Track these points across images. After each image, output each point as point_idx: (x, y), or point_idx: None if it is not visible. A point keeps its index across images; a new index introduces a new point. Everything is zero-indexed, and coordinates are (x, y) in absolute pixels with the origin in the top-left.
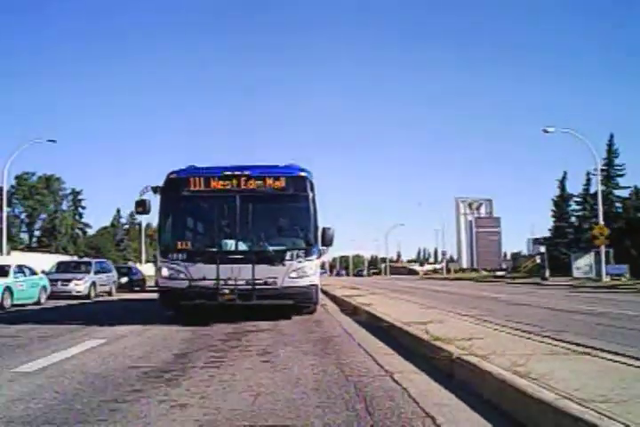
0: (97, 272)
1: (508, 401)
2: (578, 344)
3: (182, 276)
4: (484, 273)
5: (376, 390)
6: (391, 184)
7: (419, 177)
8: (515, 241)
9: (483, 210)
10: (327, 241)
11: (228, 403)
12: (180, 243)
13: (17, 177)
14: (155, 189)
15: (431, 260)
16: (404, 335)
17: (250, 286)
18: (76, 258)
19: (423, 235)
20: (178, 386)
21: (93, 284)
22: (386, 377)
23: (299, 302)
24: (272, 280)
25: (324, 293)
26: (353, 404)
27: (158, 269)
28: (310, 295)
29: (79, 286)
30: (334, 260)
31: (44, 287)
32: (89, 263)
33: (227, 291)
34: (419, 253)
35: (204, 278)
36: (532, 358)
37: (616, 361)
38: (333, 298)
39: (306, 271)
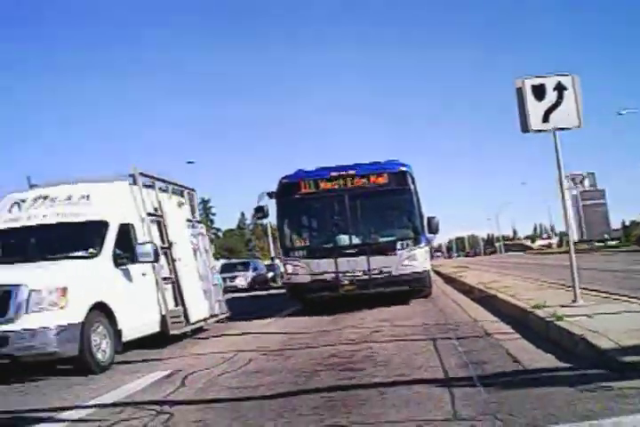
0: (253, 270)
1: (540, 328)
2: (607, 292)
3: (304, 271)
4: (596, 244)
5: (459, 318)
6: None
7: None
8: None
9: (587, 183)
10: (433, 229)
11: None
12: (299, 242)
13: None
14: (270, 195)
15: (544, 235)
16: (479, 292)
17: (367, 276)
18: (222, 260)
19: (537, 211)
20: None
21: (253, 279)
22: (464, 314)
23: (413, 288)
24: (387, 269)
25: (436, 272)
26: (445, 322)
27: (283, 267)
28: (423, 280)
29: (242, 281)
30: (450, 242)
31: (221, 283)
32: (247, 263)
33: (346, 282)
34: (535, 229)
35: (325, 272)
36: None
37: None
38: (442, 274)
39: (417, 259)
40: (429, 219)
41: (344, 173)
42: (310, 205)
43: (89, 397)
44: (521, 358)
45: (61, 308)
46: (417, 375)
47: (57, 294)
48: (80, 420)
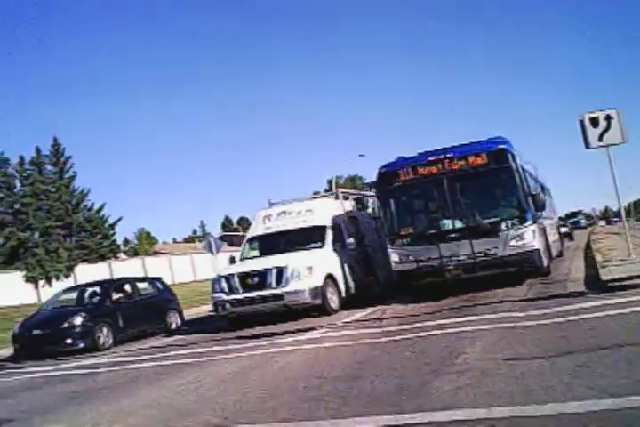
0: None
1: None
2: None
3: (410, 259)
4: None
5: (561, 269)
6: None
7: None
8: None
9: None
10: (539, 207)
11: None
12: (402, 229)
13: (329, 180)
14: (370, 185)
15: None
16: (589, 252)
17: (472, 260)
18: None
19: None
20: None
21: None
22: (565, 267)
23: (521, 269)
24: (492, 251)
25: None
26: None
27: (389, 256)
28: (532, 260)
29: None
30: (606, 209)
31: None
32: None
33: (451, 267)
34: None
35: (429, 258)
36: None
37: None
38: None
39: (524, 238)
40: (534, 196)
41: (441, 156)
42: (410, 192)
43: (336, 319)
44: (569, 290)
45: (309, 278)
46: (509, 299)
47: (306, 270)
48: (336, 327)
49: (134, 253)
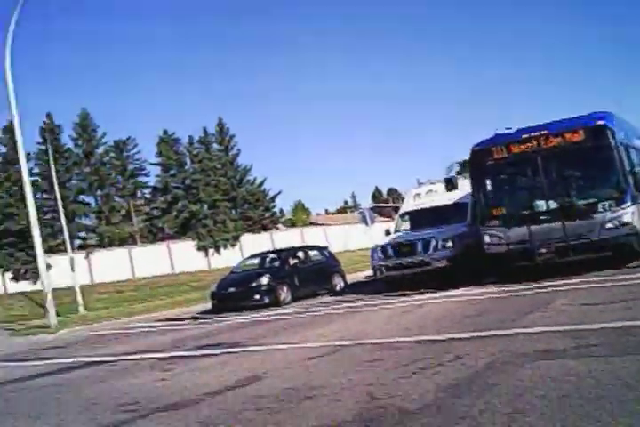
0: None
1: None
2: None
3: (501, 241)
4: None
5: None
6: None
7: None
8: None
9: None
10: (637, 187)
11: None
12: (494, 210)
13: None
14: (462, 164)
15: None
16: None
17: (564, 243)
18: None
19: None
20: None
21: None
22: None
23: (618, 253)
24: (586, 234)
25: None
26: None
27: (482, 237)
28: (630, 244)
29: None
30: None
31: None
32: None
33: (543, 250)
34: None
35: (520, 241)
36: None
37: None
38: None
39: (622, 220)
40: (635, 175)
41: (536, 133)
42: (503, 171)
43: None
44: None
45: (450, 248)
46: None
47: (449, 242)
48: (467, 289)
49: (291, 224)
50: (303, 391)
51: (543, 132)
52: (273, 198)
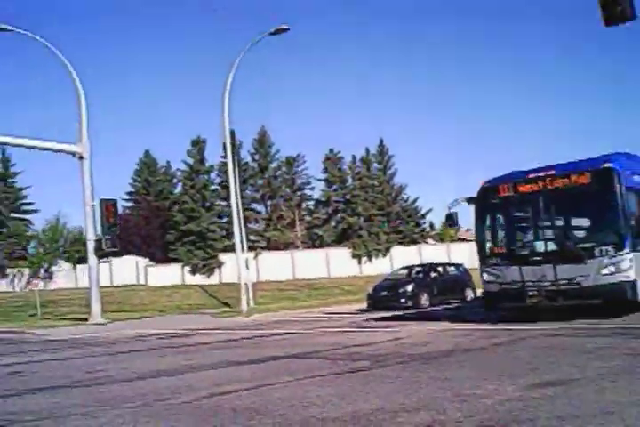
0: None
1: None
2: None
3: (496, 279)
4: None
5: None
6: None
7: None
8: None
9: None
10: (639, 234)
11: None
12: (493, 248)
13: None
14: (469, 201)
15: None
16: None
17: (554, 287)
18: None
19: None
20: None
21: None
22: None
23: (608, 301)
24: (578, 279)
25: None
26: None
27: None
28: (622, 293)
29: None
30: None
31: None
32: None
33: (533, 293)
34: None
35: (512, 281)
36: None
37: None
38: None
39: (620, 267)
40: (637, 221)
41: (543, 173)
42: (507, 209)
43: None
44: None
45: None
46: None
47: None
48: None
49: (440, 238)
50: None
51: (550, 172)
52: (424, 215)
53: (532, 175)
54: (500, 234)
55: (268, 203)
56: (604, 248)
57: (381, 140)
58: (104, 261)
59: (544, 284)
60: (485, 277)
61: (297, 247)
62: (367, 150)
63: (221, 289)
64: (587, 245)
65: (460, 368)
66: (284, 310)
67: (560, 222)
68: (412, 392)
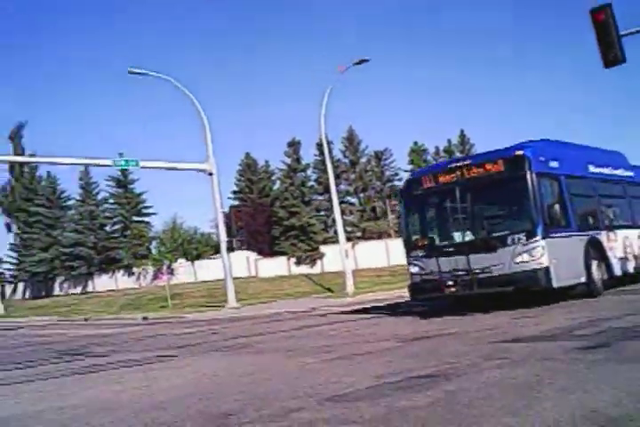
0: None
1: None
2: None
3: (419, 271)
4: None
5: None
6: None
7: None
8: None
9: None
10: (555, 220)
11: None
12: (416, 240)
13: None
14: (396, 193)
15: None
16: None
17: (468, 276)
18: None
19: None
20: None
21: None
22: None
23: (522, 288)
24: (490, 268)
25: None
26: None
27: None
28: (536, 280)
29: None
30: None
31: None
32: None
33: (450, 283)
34: None
35: (431, 272)
36: None
37: None
38: None
39: (533, 255)
40: (550, 207)
41: (460, 163)
42: (428, 201)
43: None
44: None
45: None
46: None
47: None
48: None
49: None
50: None
51: (467, 162)
52: None
53: (451, 165)
54: (423, 226)
55: (361, 195)
56: (516, 236)
57: (462, 131)
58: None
59: (459, 273)
60: (410, 268)
61: (390, 236)
62: (449, 141)
63: (324, 277)
64: (501, 233)
65: None
66: (382, 291)
67: (476, 212)
68: None
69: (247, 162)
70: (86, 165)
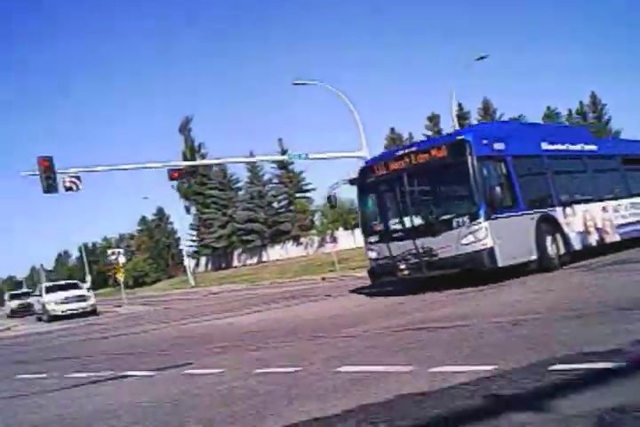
0: None
1: None
2: None
3: (375, 255)
4: None
5: None
6: None
7: None
8: None
9: None
10: (495, 202)
11: None
12: (370, 226)
13: None
14: (351, 182)
15: None
16: None
17: (417, 260)
18: None
19: None
20: None
21: None
22: None
23: (469, 269)
24: (437, 251)
25: None
26: None
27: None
28: (481, 260)
29: None
30: None
31: None
32: None
33: (402, 266)
34: None
35: (384, 257)
36: None
37: None
38: None
39: (477, 236)
40: (492, 189)
41: (407, 150)
42: (380, 188)
43: None
44: None
45: None
46: None
47: None
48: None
49: None
50: None
51: (413, 149)
52: None
53: (398, 153)
54: (377, 212)
55: None
56: (461, 219)
57: (593, 92)
58: None
59: (408, 257)
60: (368, 254)
61: None
62: (581, 103)
63: None
64: (446, 217)
65: None
66: None
67: (423, 197)
68: None
69: (392, 137)
70: (265, 161)
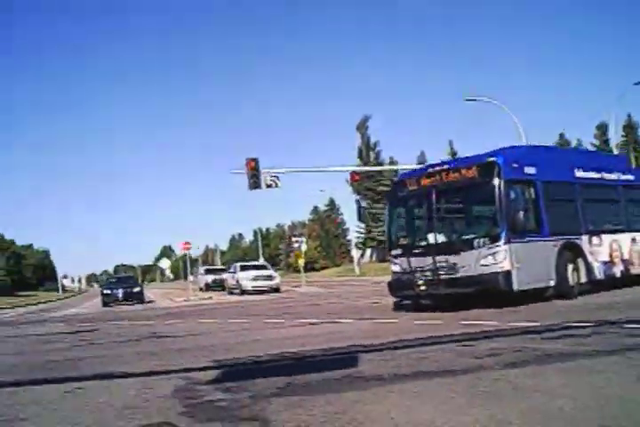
0: None
1: None
2: None
3: (396, 269)
4: None
5: None
6: None
7: None
8: None
9: None
10: (518, 226)
11: None
12: (396, 240)
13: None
14: (386, 194)
15: None
16: None
17: (435, 277)
18: None
19: None
20: None
21: None
22: None
23: (484, 290)
24: (456, 269)
25: None
26: None
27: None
28: (497, 282)
29: None
30: None
31: None
32: None
33: (420, 282)
34: None
35: (405, 271)
36: None
37: None
38: None
39: (496, 258)
40: (517, 213)
41: (439, 167)
42: (409, 203)
43: None
44: None
45: None
46: None
47: None
48: None
49: None
50: None
51: (444, 167)
52: None
53: (430, 170)
54: (403, 226)
55: None
56: (482, 240)
57: None
58: None
59: (427, 273)
60: (391, 267)
61: None
62: None
63: None
64: (468, 236)
65: None
66: None
67: (449, 215)
68: None
69: (560, 142)
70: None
